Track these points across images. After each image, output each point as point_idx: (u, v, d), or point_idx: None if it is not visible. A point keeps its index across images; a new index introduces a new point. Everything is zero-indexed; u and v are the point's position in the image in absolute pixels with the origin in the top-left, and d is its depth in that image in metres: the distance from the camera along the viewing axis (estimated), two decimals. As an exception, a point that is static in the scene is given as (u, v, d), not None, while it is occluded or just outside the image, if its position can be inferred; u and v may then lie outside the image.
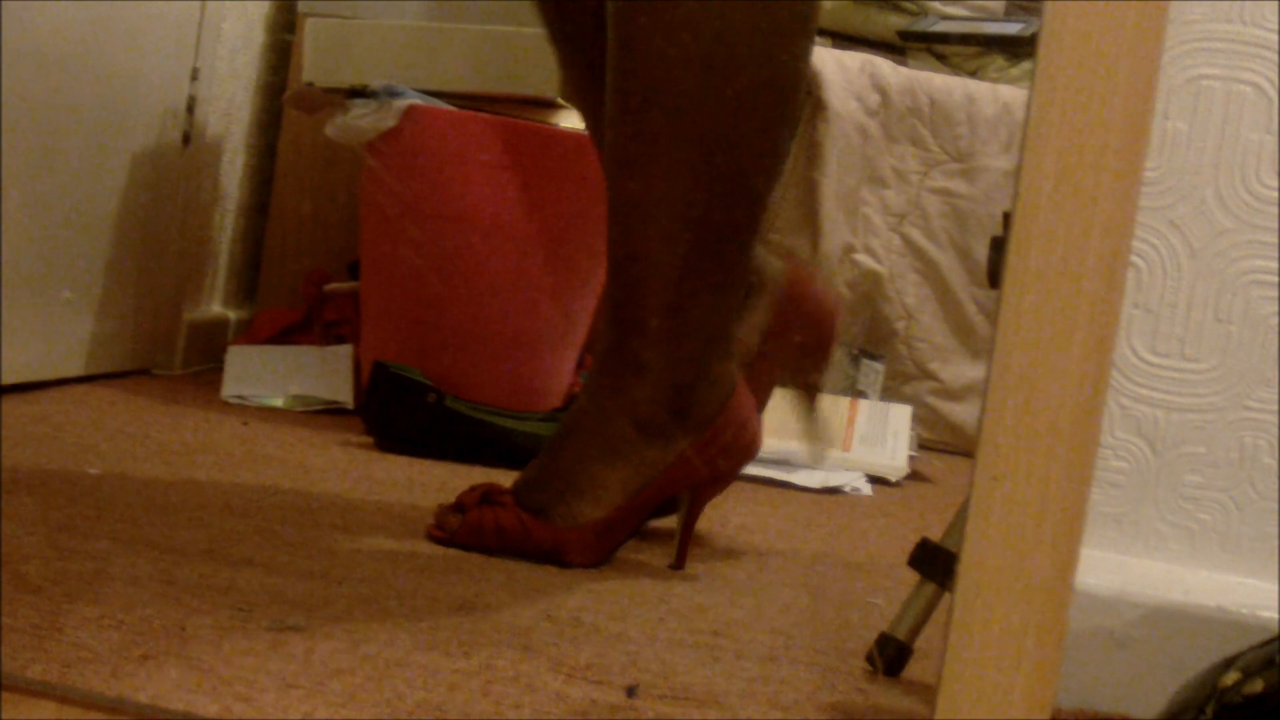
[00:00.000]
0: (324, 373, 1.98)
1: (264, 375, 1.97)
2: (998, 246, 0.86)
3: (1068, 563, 0.67)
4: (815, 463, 1.33)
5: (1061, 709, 0.96)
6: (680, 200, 1.16)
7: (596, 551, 1.22)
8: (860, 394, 2.39)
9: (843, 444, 2.06)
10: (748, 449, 1.27)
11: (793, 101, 1.18)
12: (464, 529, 1.21)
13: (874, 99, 2.50)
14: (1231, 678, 0.78)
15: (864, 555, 1.46)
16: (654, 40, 1.14)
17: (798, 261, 1.30)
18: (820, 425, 1.33)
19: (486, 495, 1.23)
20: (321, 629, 0.90)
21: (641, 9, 1.14)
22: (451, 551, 1.19)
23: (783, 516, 1.63)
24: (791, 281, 1.31)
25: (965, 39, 2.72)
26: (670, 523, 1.32)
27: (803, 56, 1.18)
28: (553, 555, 1.20)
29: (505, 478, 1.28)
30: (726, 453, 1.25)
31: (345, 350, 2.01)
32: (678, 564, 1.26)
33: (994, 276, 0.85)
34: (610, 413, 1.22)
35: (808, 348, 1.32)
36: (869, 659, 1.00)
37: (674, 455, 1.23)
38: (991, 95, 2.55)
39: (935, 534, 0.99)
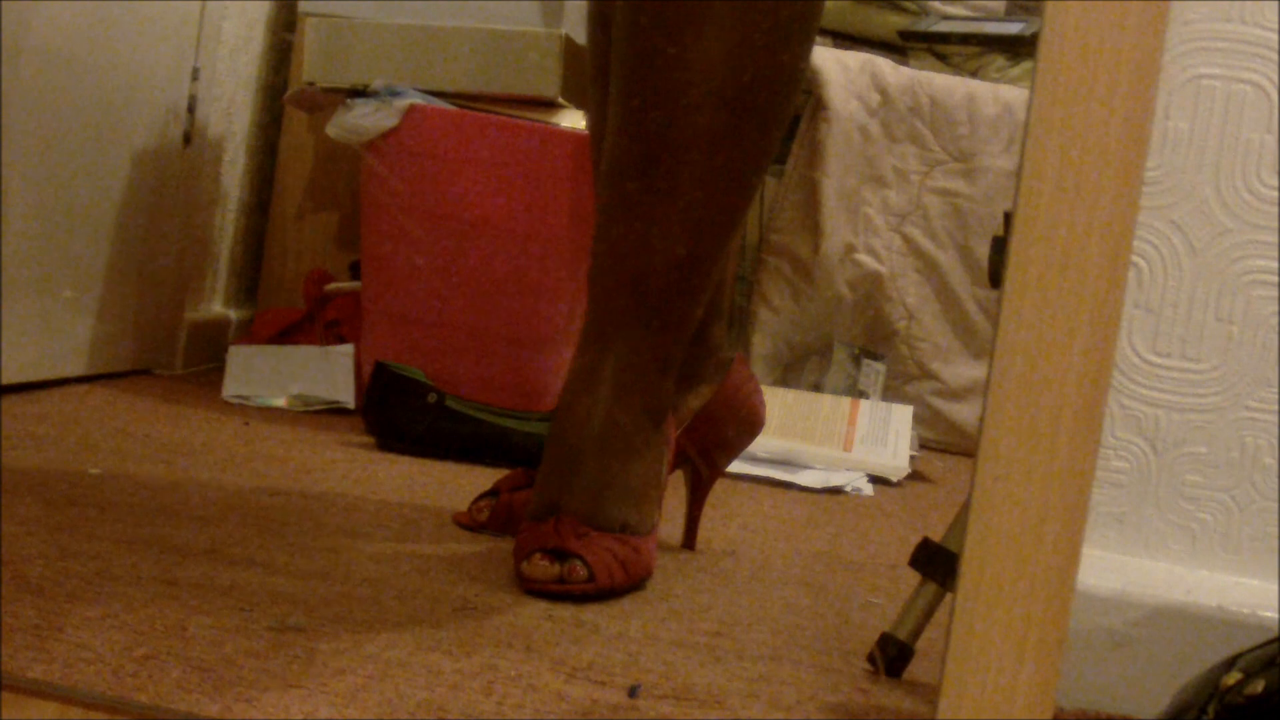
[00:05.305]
0: (325, 373, 1.98)
1: (265, 375, 1.97)
2: (999, 246, 0.86)
3: (1069, 563, 0.67)
4: (688, 546, 1.33)
5: (1063, 709, 0.96)
6: (683, 199, 1.15)
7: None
8: (861, 394, 2.39)
9: (844, 444, 2.06)
10: (751, 418, 1.29)
11: (790, 102, 1.18)
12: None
13: (875, 99, 2.50)
14: (1233, 678, 0.78)
15: (865, 555, 1.45)
16: (657, 40, 1.13)
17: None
18: (697, 521, 1.34)
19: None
20: (323, 629, 0.90)
21: (645, 9, 1.13)
22: (452, 552, 1.20)
23: (784, 517, 1.63)
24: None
25: (966, 39, 2.72)
26: (670, 515, 1.32)
27: (804, 56, 1.18)
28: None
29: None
30: (725, 421, 1.28)
31: (346, 350, 2.01)
32: (688, 544, 1.30)
33: (995, 276, 0.85)
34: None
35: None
36: (871, 659, 1.00)
37: (682, 428, 1.25)
38: (992, 95, 2.55)
39: (936, 534, 0.99)
